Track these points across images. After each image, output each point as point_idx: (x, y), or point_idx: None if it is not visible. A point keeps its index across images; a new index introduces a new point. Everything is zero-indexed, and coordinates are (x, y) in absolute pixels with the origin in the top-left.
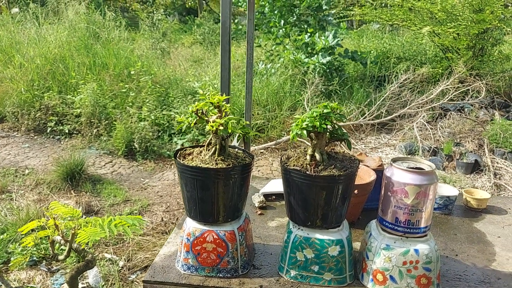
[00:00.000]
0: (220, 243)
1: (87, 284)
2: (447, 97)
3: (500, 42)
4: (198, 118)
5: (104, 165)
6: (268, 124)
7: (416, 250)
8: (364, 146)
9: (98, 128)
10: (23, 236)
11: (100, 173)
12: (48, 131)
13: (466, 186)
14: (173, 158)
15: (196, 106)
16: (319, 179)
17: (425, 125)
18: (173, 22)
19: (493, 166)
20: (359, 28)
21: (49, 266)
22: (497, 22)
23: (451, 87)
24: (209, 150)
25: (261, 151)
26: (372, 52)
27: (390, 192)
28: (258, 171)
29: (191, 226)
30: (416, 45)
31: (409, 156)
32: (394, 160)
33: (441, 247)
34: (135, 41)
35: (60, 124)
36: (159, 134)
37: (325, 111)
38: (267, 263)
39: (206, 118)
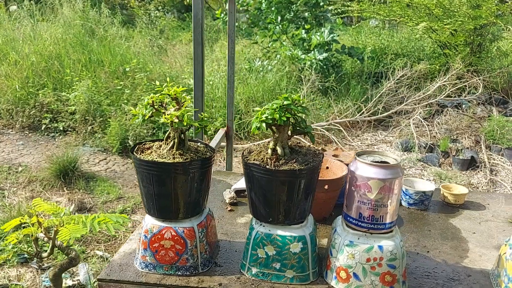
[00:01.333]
0: (179, 240)
1: (78, 281)
2: (444, 93)
3: (498, 38)
4: (154, 110)
5: (98, 162)
6: None
7: (380, 247)
8: (361, 143)
9: (93, 125)
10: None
11: (94, 170)
12: (42, 128)
13: (462, 183)
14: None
15: (152, 98)
16: (280, 174)
17: (421, 122)
18: (171, 19)
19: (489, 162)
20: (357, 25)
21: (40, 264)
22: (493, 18)
23: (448, 83)
24: (167, 144)
25: None
26: (369, 48)
27: (354, 187)
28: None
29: (149, 222)
30: (414, 42)
31: (375, 150)
32: (359, 154)
33: (412, 244)
34: (132, 39)
35: (54, 121)
36: (154, 131)
37: (285, 102)
38: (230, 261)
39: (163, 111)
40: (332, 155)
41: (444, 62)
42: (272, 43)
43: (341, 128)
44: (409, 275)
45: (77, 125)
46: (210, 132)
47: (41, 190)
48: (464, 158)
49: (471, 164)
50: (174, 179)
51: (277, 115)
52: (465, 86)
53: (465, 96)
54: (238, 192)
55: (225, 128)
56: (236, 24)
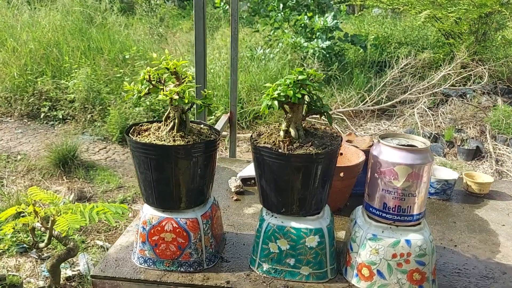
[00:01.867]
0: (181, 233)
1: (78, 271)
2: (449, 83)
3: (504, 27)
4: (151, 86)
5: (98, 151)
6: None
7: (407, 241)
8: (364, 133)
9: (92, 113)
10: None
11: (93, 159)
12: (41, 116)
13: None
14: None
15: (148, 72)
16: (294, 158)
17: (426, 111)
18: (172, 7)
19: (494, 152)
20: (360, 13)
21: (40, 253)
22: (498, 6)
23: (453, 73)
24: (167, 125)
25: None
26: (372, 36)
27: (377, 174)
28: None
29: (148, 213)
30: (418, 30)
31: (400, 132)
32: (383, 137)
33: (437, 237)
34: (131, 26)
35: (53, 110)
36: (154, 119)
37: (300, 77)
38: (238, 255)
39: (162, 87)
40: (346, 141)
41: (448, 51)
42: (274, 31)
43: (344, 118)
44: (438, 272)
45: (76, 113)
46: (212, 119)
47: (40, 178)
48: (469, 148)
49: (476, 154)
50: (175, 164)
51: (291, 92)
52: (470, 75)
53: (470, 86)
54: (245, 181)
55: (228, 114)
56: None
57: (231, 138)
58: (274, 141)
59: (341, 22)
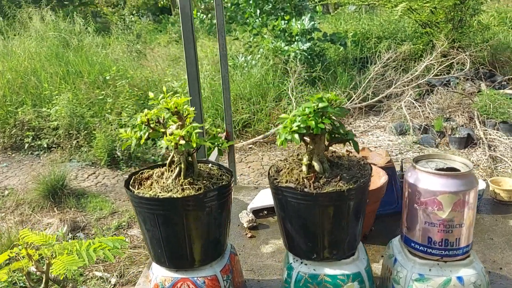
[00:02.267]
0: None
1: None
2: (432, 73)
3: (478, 12)
4: (151, 130)
5: (87, 177)
6: (254, 117)
7: (459, 278)
8: (354, 131)
9: (78, 139)
10: None
11: (83, 186)
12: (25, 147)
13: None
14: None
15: (146, 115)
16: (323, 198)
17: (413, 103)
18: (147, 23)
19: (486, 138)
20: (335, 11)
21: None
22: None
23: (435, 62)
24: (172, 171)
25: (250, 146)
26: (350, 33)
27: (418, 204)
28: (249, 167)
29: (159, 275)
30: (395, 23)
31: (433, 152)
32: (417, 160)
33: (479, 258)
34: (109, 46)
35: (37, 139)
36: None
37: (320, 105)
38: None
39: (163, 130)
40: None
41: (427, 41)
42: (253, 37)
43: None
44: None
45: (61, 140)
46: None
47: (30, 212)
48: (460, 136)
49: (468, 141)
50: (186, 217)
51: (313, 122)
52: (452, 63)
53: (453, 73)
54: (256, 212)
55: (224, 133)
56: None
57: (230, 160)
58: (297, 178)
59: (319, 23)
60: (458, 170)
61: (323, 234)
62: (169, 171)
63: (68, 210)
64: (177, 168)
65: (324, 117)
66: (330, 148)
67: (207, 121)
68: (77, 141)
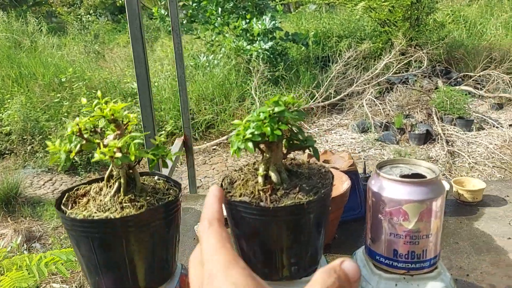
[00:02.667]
0: None
1: None
2: (392, 71)
3: (434, 11)
4: (84, 141)
5: (44, 185)
6: (218, 118)
7: None
8: (318, 129)
9: (32, 144)
10: None
11: (39, 194)
12: None
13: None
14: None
15: (78, 124)
16: (281, 212)
17: (374, 101)
18: (105, 23)
19: (444, 134)
20: (296, 11)
21: None
22: None
23: (394, 60)
24: (110, 186)
25: (214, 147)
26: (312, 32)
27: (382, 215)
28: (213, 169)
29: None
30: (355, 22)
31: (397, 157)
32: (380, 167)
33: (445, 266)
34: (64, 47)
35: None
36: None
37: (276, 109)
38: None
39: (98, 141)
40: (322, 162)
41: (386, 39)
42: (215, 36)
43: None
44: None
45: (14, 146)
46: (162, 134)
47: None
48: (419, 133)
49: (427, 137)
50: (126, 240)
51: (268, 129)
52: (410, 61)
53: (411, 71)
54: None
55: (182, 138)
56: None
57: (188, 165)
58: (252, 191)
59: (280, 22)
60: (424, 176)
61: (282, 251)
62: (107, 187)
63: (23, 220)
64: (116, 183)
65: (280, 122)
66: (289, 155)
67: (169, 123)
68: (32, 147)
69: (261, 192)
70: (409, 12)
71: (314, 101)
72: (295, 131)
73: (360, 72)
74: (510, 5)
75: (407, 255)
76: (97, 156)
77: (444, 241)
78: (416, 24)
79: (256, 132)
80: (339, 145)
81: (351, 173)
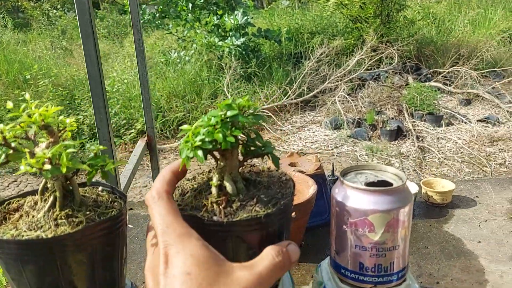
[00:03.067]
0: None
1: None
2: (363, 67)
3: (404, 7)
4: (11, 151)
5: (8, 186)
6: (189, 115)
7: None
8: (291, 127)
9: None
10: None
11: (3, 196)
12: None
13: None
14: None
15: (2, 131)
16: (236, 227)
17: (346, 98)
18: (73, 18)
19: (414, 130)
20: (269, 6)
21: None
22: None
23: (365, 57)
24: (45, 200)
25: None
26: (284, 29)
27: (347, 226)
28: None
29: None
30: (327, 18)
31: (363, 163)
32: (344, 173)
33: (415, 273)
34: (30, 42)
35: None
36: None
37: (229, 113)
38: None
39: (28, 150)
40: (289, 165)
41: (358, 35)
42: (186, 32)
43: (270, 114)
44: None
45: None
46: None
47: None
48: (391, 129)
49: (398, 134)
50: (62, 262)
51: (220, 135)
52: (381, 57)
53: (382, 68)
54: None
55: (145, 138)
56: (148, 15)
57: (152, 167)
58: (205, 204)
59: (252, 18)
60: (390, 184)
61: None
62: (42, 201)
63: None
64: (51, 197)
65: (234, 128)
66: (248, 161)
67: (139, 121)
68: None
69: (214, 205)
70: (379, 9)
71: (287, 98)
72: (252, 136)
73: (333, 69)
74: (477, 3)
75: (374, 268)
76: (22, 168)
77: (413, 246)
78: (387, 20)
79: (206, 139)
80: (312, 142)
81: (318, 176)
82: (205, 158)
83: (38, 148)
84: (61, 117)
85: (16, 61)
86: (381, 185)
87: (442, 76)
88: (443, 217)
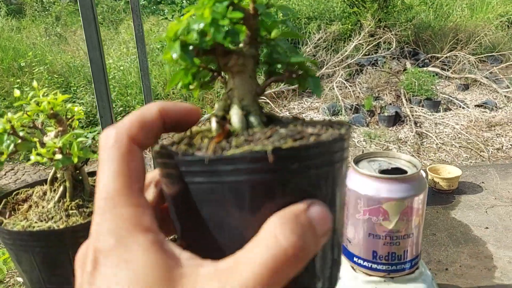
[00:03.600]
0: None
1: None
2: (361, 52)
3: None
4: (20, 140)
5: (5, 174)
6: (187, 102)
7: None
8: (289, 113)
9: None
10: None
11: (1, 184)
12: None
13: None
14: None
15: (10, 121)
16: (224, 167)
17: (344, 84)
18: (67, 4)
19: (412, 115)
20: None
21: None
22: None
23: (363, 42)
24: (55, 190)
25: None
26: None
27: (359, 214)
28: None
29: None
30: (324, 3)
31: (375, 150)
32: (357, 161)
33: (423, 259)
34: (24, 29)
35: None
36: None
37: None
38: None
39: (37, 139)
40: None
41: (355, 20)
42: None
43: (267, 101)
44: None
45: None
46: None
47: None
48: (389, 115)
49: (396, 119)
50: (74, 254)
51: (208, 14)
52: (379, 43)
53: (380, 53)
54: None
55: None
56: (144, 1)
57: (152, 155)
58: (196, 142)
59: None
60: (405, 172)
61: (239, 240)
62: (51, 191)
63: None
64: (61, 187)
65: (236, 10)
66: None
67: (136, 108)
68: None
69: (205, 140)
70: None
71: (284, 84)
72: (276, 44)
73: (330, 54)
74: None
75: (387, 257)
76: (33, 158)
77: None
78: (384, 5)
79: (194, 27)
80: None
81: None
82: (190, 61)
83: (46, 138)
84: (68, 106)
85: (11, 48)
86: (394, 173)
87: (440, 61)
88: (450, 203)
